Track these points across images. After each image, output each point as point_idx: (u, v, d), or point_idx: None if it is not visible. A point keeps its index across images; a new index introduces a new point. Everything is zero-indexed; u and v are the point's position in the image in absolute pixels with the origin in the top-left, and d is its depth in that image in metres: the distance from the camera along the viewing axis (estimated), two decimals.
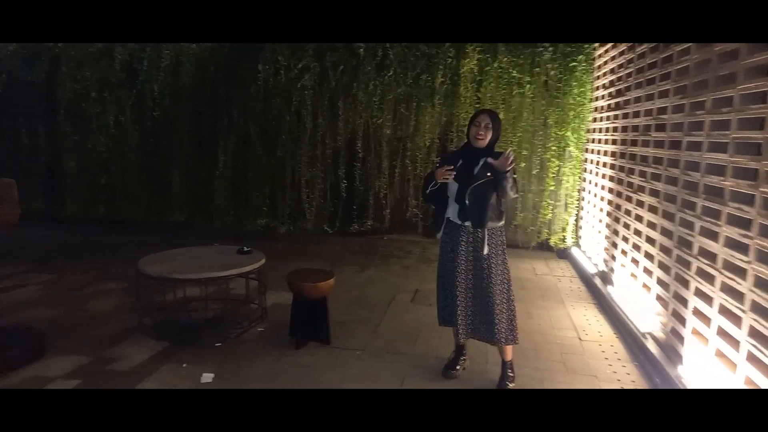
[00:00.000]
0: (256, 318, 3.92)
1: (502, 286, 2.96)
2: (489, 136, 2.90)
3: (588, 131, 5.89)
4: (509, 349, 3.05)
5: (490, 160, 2.82)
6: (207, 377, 3.09)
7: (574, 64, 5.76)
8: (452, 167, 2.87)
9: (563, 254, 6.15)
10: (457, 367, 3.20)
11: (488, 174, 2.86)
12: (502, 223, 2.98)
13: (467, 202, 2.89)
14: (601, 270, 4.96)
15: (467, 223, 2.93)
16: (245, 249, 3.90)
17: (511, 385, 3.04)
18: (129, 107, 6.69)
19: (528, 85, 5.92)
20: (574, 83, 5.82)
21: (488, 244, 2.91)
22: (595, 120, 5.70)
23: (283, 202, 6.71)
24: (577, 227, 6.16)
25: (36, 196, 7.05)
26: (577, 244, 6.09)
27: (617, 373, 3.27)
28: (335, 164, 6.58)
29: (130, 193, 7.03)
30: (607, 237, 4.84)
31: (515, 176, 2.91)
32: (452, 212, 2.99)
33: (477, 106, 5.95)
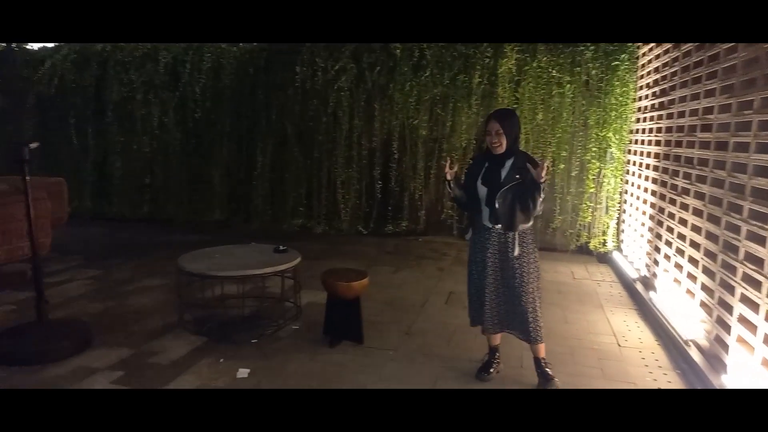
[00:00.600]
0: (291, 316, 3.98)
1: (533, 285, 2.96)
2: (504, 141, 2.86)
3: (630, 132, 5.73)
4: (542, 347, 3.04)
5: (530, 166, 2.81)
6: (243, 372, 3.16)
7: (617, 63, 5.61)
8: (455, 165, 2.98)
9: (603, 258, 5.99)
10: (491, 370, 3.17)
11: (517, 177, 2.84)
12: (531, 223, 2.97)
13: (497, 205, 2.88)
14: (642, 275, 4.82)
15: (498, 226, 2.92)
16: (281, 248, 3.96)
17: (556, 381, 3.02)
18: (172, 109, 6.90)
19: (568, 85, 5.80)
20: (617, 83, 5.67)
21: (519, 245, 2.91)
22: (638, 120, 5.54)
23: (319, 202, 6.79)
24: (618, 231, 6.00)
25: (85, 196, 7.36)
26: (618, 248, 5.93)
27: (657, 381, 3.17)
28: (371, 165, 6.60)
29: (172, 193, 7.25)
30: (649, 241, 4.69)
31: (544, 186, 2.85)
32: (484, 216, 2.98)
33: (515, 106, 5.87)
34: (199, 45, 6.77)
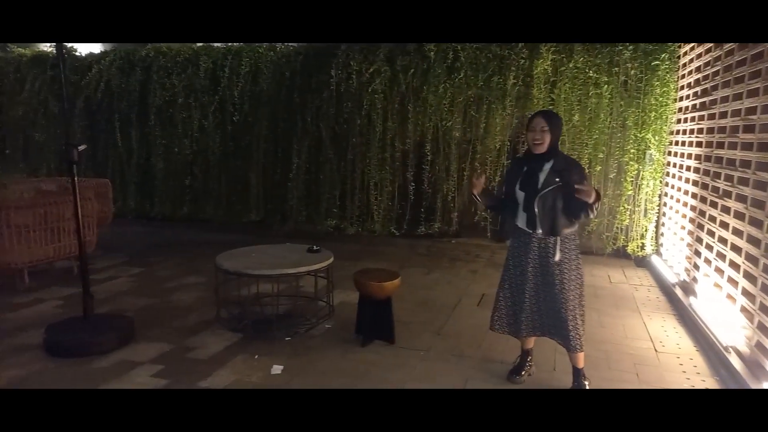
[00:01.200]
0: (323, 315, 4.05)
1: (575, 292, 2.87)
2: (547, 140, 2.78)
3: (671, 133, 5.58)
4: (581, 356, 2.96)
5: (578, 186, 2.65)
6: (277, 369, 3.24)
7: (657, 62, 5.48)
8: (482, 177, 2.91)
9: (641, 262, 5.86)
10: (523, 373, 3.15)
11: (557, 180, 2.76)
12: (575, 227, 2.88)
13: (536, 210, 2.80)
14: (682, 279, 4.69)
15: (538, 231, 2.85)
16: (315, 248, 4.04)
17: (587, 385, 2.98)
18: (211, 112, 7.08)
19: (606, 86, 5.69)
20: (657, 83, 5.53)
21: (560, 250, 2.83)
22: (678, 121, 5.40)
23: (352, 203, 6.85)
24: (657, 234, 5.85)
25: (129, 196, 7.64)
26: (657, 252, 5.78)
27: (695, 387, 3.09)
28: (404, 167, 6.63)
29: (211, 194, 7.44)
30: (689, 245, 4.56)
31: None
32: (521, 220, 2.92)
33: (551, 107, 5.80)
34: (238, 50, 6.94)
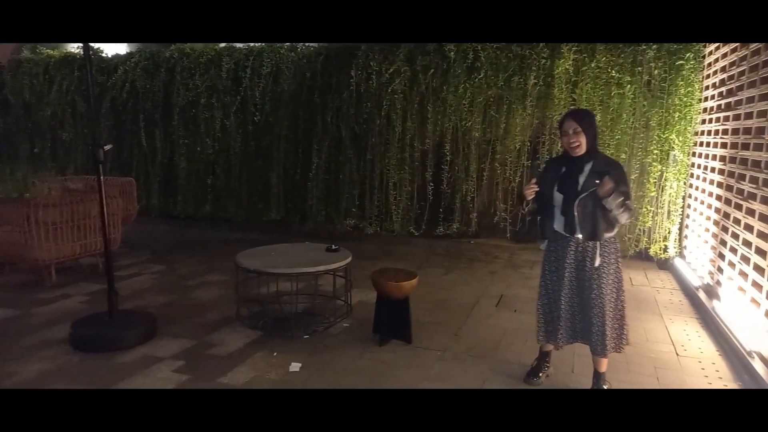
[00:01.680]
0: (341, 314, 4.08)
1: (612, 296, 2.79)
2: (583, 141, 2.67)
3: (695, 134, 5.49)
4: (605, 362, 2.91)
5: (607, 178, 2.56)
6: (295, 366, 3.28)
7: (681, 62, 5.39)
8: (536, 182, 2.75)
9: (664, 265, 5.77)
10: (540, 374, 3.13)
11: (597, 182, 2.62)
12: (615, 231, 2.79)
13: (576, 214, 2.70)
14: (705, 282, 4.61)
15: (577, 236, 2.76)
16: (333, 247, 4.07)
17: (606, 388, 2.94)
18: (233, 112, 7.19)
19: (629, 86, 5.62)
20: (681, 83, 5.44)
21: (600, 255, 2.74)
22: (703, 122, 5.30)
23: (371, 203, 6.88)
24: (680, 236, 5.75)
25: (152, 195, 7.80)
26: (680, 255, 5.68)
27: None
28: (423, 167, 6.64)
29: (232, 193, 7.55)
30: (713, 247, 4.48)
31: (623, 199, 2.63)
32: (558, 224, 2.82)
33: (572, 107, 5.75)
34: (259, 51, 7.02)
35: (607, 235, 2.75)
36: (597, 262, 2.74)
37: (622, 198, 2.62)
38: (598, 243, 2.73)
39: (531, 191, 2.75)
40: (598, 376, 2.95)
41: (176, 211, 7.81)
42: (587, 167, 2.70)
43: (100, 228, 5.02)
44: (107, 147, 3.53)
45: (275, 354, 3.47)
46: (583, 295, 2.83)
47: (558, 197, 2.78)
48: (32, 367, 3.22)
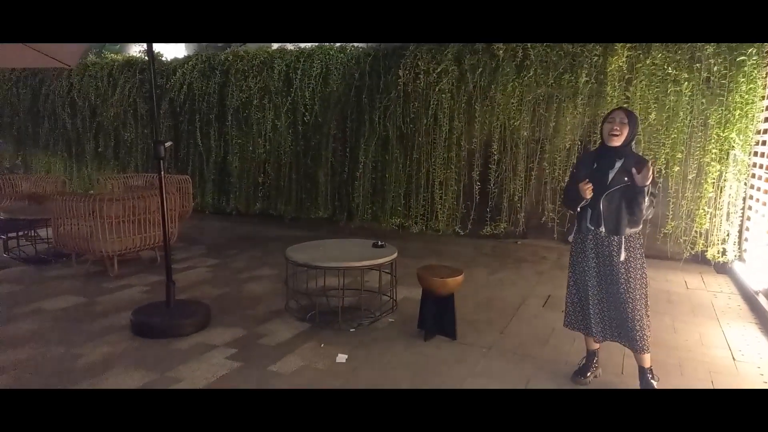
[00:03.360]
0: (387, 309, 4.14)
1: (641, 291, 2.83)
2: (625, 133, 2.75)
3: (757, 132, 5.24)
4: (648, 357, 2.89)
5: (634, 170, 2.69)
6: (342, 357, 3.36)
7: (743, 58, 5.16)
8: (588, 181, 2.79)
9: (722, 269, 5.53)
10: (588, 374, 3.09)
11: (626, 179, 2.74)
12: (639, 228, 2.84)
13: (602, 208, 2.80)
14: (766, 287, 4.40)
15: (601, 229, 2.84)
16: (380, 243, 4.14)
17: (656, 384, 2.89)
18: (284, 113, 7.39)
19: (686, 83, 5.42)
20: (742, 79, 5.21)
21: (625, 249, 2.80)
22: (765, 120, 5.06)
23: (417, 202, 6.92)
24: (740, 239, 5.50)
25: (207, 192, 8.11)
26: (740, 258, 5.44)
27: None
28: (470, 166, 6.61)
29: (282, 191, 7.76)
30: None
31: (654, 191, 2.75)
32: (587, 217, 2.90)
33: (625, 105, 5.60)
34: (310, 52, 7.19)
35: (630, 230, 2.80)
36: (623, 257, 2.80)
37: (653, 191, 2.69)
38: (623, 238, 2.79)
39: (590, 189, 2.79)
40: (643, 371, 2.93)
41: (229, 208, 8.09)
42: (618, 164, 2.79)
43: (159, 222, 5.29)
44: (168, 144, 3.73)
45: (322, 345, 3.56)
46: (611, 290, 2.87)
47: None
48: (97, 351, 3.44)
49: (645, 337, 2.82)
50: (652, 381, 2.91)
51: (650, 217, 2.91)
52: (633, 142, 2.85)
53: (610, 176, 2.78)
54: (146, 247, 5.41)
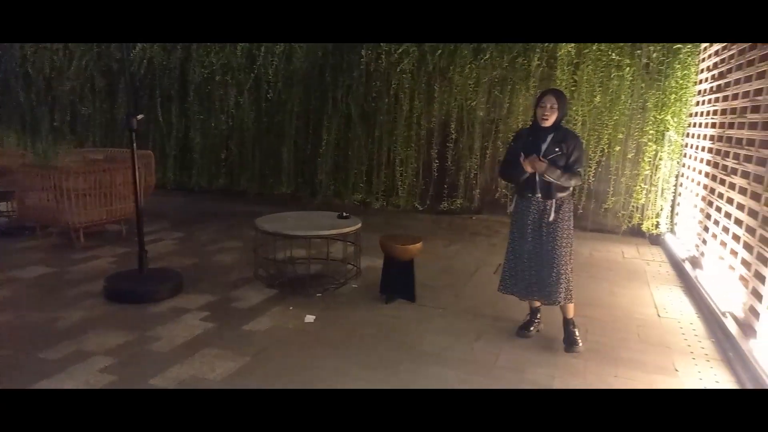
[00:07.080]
0: (351, 276, 4.42)
1: (566, 249, 3.20)
2: (554, 117, 3.11)
3: (690, 115, 5.75)
4: (571, 308, 3.29)
5: (537, 160, 3.09)
6: (310, 318, 3.63)
7: (679, 46, 5.62)
8: (538, 157, 3.11)
9: (656, 240, 6.07)
10: (531, 328, 3.47)
11: (556, 150, 3.11)
12: (568, 192, 3.22)
13: (537, 176, 3.15)
14: (691, 254, 4.92)
15: (538, 195, 3.20)
16: (344, 215, 4.39)
17: (579, 347, 3.26)
18: (247, 90, 7.46)
19: (628, 68, 5.86)
20: (678, 66, 5.69)
21: (555, 212, 3.17)
22: (697, 103, 5.56)
23: (378, 179, 7.19)
24: (672, 213, 6.05)
25: (168, 168, 8.11)
26: (671, 231, 5.99)
27: (691, 346, 3.37)
28: (428, 144, 6.92)
29: (245, 167, 7.86)
30: (699, 222, 4.78)
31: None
32: (525, 186, 3.25)
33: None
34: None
35: (560, 194, 3.18)
36: (551, 217, 3.17)
37: (560, 170, 3.08)
38: (553, 201, 3.17)
39: (533, 165, 3.11)
40: (567, 323, 3.32)
41: (191, 183, 8.14)
42: (549, 137, 3.16)
43: (124, 196, 5.37)
44: (139, 117, 3.84)
45: (291, 308, 3.81)
46: (541, 249, 3.23)
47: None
48: (75, 314, 3.58)
49: (565, 290, 3.18)
50: (573, 331, 3.29)
51: (577, 184, 3.33)
52: (562, 120, 3.21)
53: (543, 148, 3.14)
54: (112, 220, 5.49)
